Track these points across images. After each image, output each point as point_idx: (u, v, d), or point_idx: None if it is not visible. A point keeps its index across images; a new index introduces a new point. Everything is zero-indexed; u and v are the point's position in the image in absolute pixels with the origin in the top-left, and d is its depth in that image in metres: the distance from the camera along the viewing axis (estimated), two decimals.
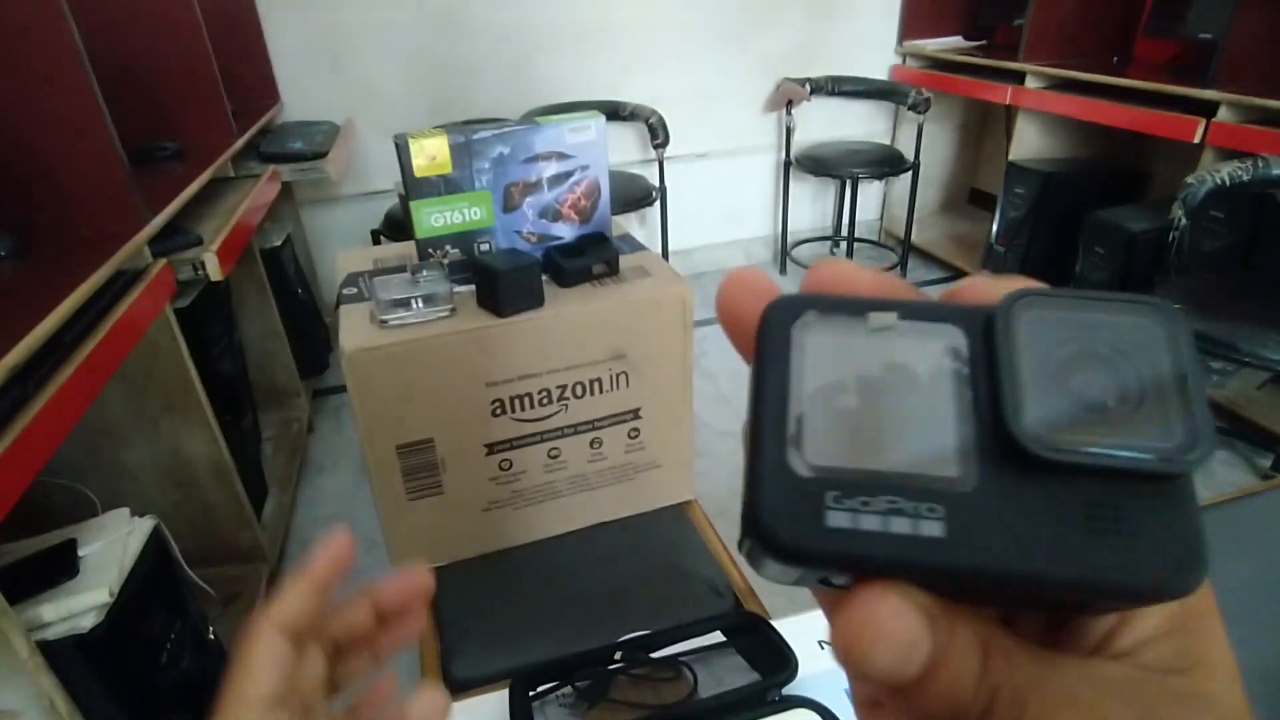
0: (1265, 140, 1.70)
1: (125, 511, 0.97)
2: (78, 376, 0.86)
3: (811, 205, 3.09)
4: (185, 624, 0.99)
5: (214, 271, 1.27)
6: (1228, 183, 1.58)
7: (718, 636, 0.66)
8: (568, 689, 0.61)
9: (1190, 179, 1.60)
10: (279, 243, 2.02)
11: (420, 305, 0.84)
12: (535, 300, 0.87)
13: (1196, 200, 1.60)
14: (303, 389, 2.08)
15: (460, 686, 0.79)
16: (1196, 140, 1.84)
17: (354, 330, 0.83)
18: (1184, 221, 1.65)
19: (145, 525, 0.96)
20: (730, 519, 1.52)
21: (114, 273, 1.04)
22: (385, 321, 0.84)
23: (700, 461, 1.88)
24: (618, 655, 0.63)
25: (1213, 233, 1.88)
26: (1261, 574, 0.83)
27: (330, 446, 2.02)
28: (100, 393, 0.95)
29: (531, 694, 0.60)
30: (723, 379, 2.24)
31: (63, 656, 0.78)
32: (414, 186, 0.88)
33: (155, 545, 0.95)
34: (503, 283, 0.84)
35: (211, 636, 1.06)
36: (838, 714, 0.57)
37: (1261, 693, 0.70)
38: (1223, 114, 1.80)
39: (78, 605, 0.82)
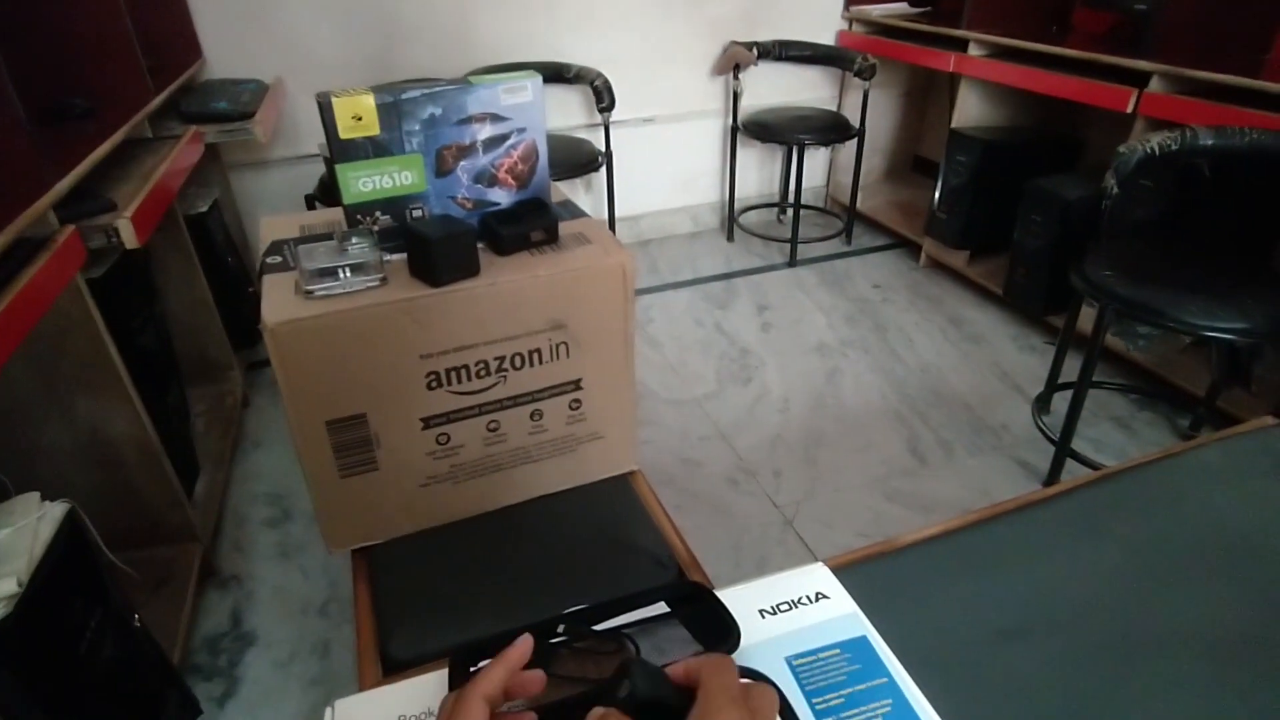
0: (1194, 111, 1.75)
1: (35, 496, 0.91)
2: None
3: (759, 171, 3.08)
4: (107, 611, 0.94)
5: (129, 239, 1.19)
6: (1157, 152, 1.62)
7: (661, 607, 0.65)
8: None
9: (1122, 148, 1.64)
10: (205, 208, 1.92)
11: (348, 274, 0.80)
12: (471, 269, 0.84)
13: (1128, 169, 1.64)
14: (235, 362, 2.00)
15: (398, 667, 0.77)
16: (1129, 110, 1.89)
17: (277, 301, 0.78)
18: (1115, 190, 1.68)
19: (58, 510, 0.90)
20: (677, 487, 1.53)
21: (14, 240, 0.96)
22: (311, 292, 0.79)
23: (646, 430, 1.88)
24: (560, 629, 0.62)
25: (1143, 201, 1.93)
26: (1184, 533, 0.87)
27: (267, 421, 1.95)
28: (2, 368, 0.88)
29: (472, 669, 0.58)
30: (669, 347, 2.23)
31: None
32: (340, 149, 0.83)
33: (69, 530, 0.90)
34: (436, 251, 0.81)
35: (137, 623, 1.01)
36: (779, 683, 0.57)
37: (1193, 652, 0.73)
38: (1155, 84, 1.85)
39: None
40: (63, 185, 1.11)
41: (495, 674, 0.41)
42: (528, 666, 0.54)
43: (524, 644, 0.45)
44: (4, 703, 0.76)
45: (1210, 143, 1.61)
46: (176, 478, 1.36)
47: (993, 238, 2.43)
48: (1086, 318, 1.75)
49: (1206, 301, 1.43)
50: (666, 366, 2.14)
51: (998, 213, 2.33)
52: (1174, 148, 1.61)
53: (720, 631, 0.59)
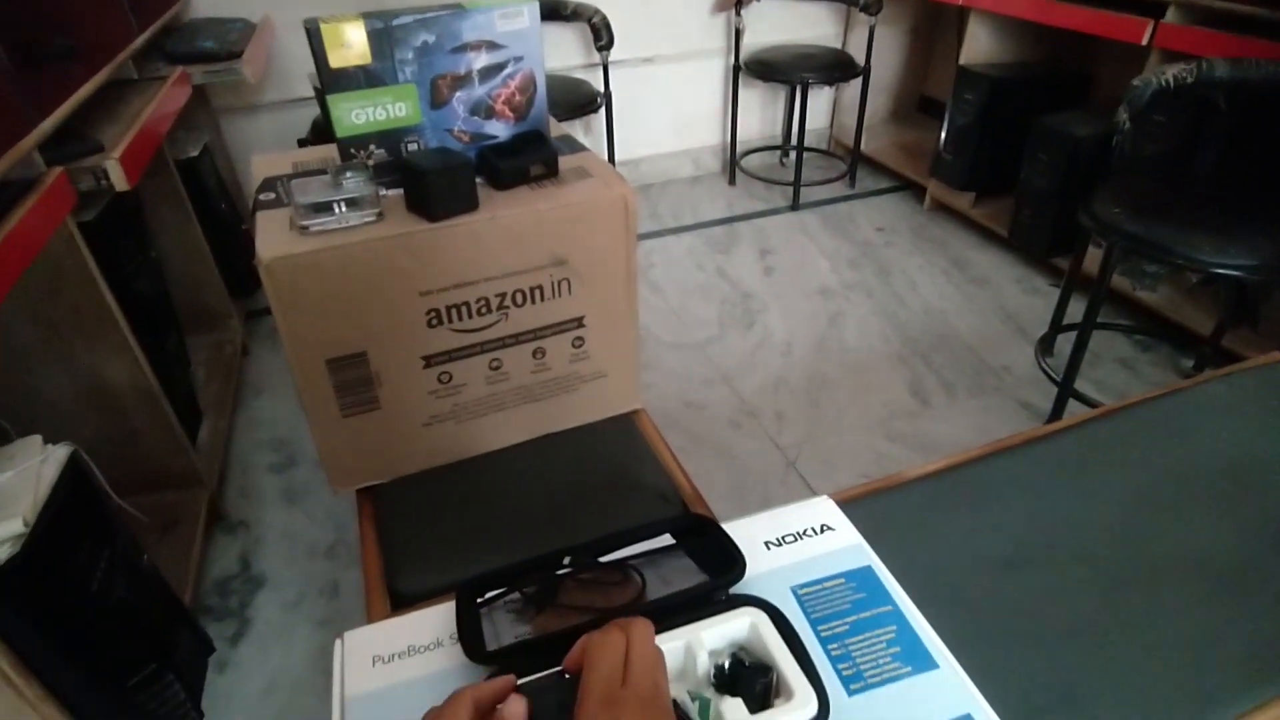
0: (1210, 42, 1.69)
1: (37, 439, 0.91)
2: None
3: (761, 113, 3.01)
4: (115, 552, 0.95)
5: (119, 181, 1.17)
6: (1172, 84, 1.57)
7: (666, 539, 0.65)
8: (515, 595, 0.60)
9: (1136, 81, 1.59)
10: (196, 153, 1.88)
11: (343, 209, 0.78)
12: (468, 203, 0.82)
13: (1141, 102, 1.59)
14: (234, 310, 1.98)
15: (405, 602, 0.78)
16: (1144, 42, 1.83)
17: (272, 238, 0.77)
18: (1127, 125, 1.64)
19: (60, 452, 0.90)
20: (680, 430, 1.53)
21: None
22: (306, 228, 0.78)
23: (648, 375, 1.88)
24: (566, 561, 0.62)
25: (1154, 136, 1.88)
26: (1188, 465, 0.87)
27: (267, 369, 1.94)
28: None
29: (479, 601, 0.59)
30: (671, 292, 2.21)
31: None
32: (330, 79, 0.80)
33: (73, 472, 0.90)
34: (433, 184, 0.79)
35: (146, 564, 1.02)
36: (784, 612, 0.57)
37: (1192, 580, 0.74)
38: (1171, 15, 1.78)
39: None
40: (47, 125, 1.08)
41: (489, 688, 0.44)
42: (538, 592, 0.54)
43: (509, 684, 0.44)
44: (15, 639, 0.77)
45: (1226, 75, 1.56)
46: (179, 424, 1.36)
47: (999, 179, 2.39)
48: (1092, 260, 1.73)
49: (1217, 238, 1.40)
50: (668, 311, 2.13)
51: (1005, 153, 2.28)
52: (1189, 80, 1.56)
53: (725, 562, 0.59)
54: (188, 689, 1.02)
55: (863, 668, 0.59)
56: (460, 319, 0.84)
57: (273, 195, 0.86)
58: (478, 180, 0.86)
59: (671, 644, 0.52)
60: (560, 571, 0.61)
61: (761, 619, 0.53)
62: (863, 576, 0.67)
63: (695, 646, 0.52)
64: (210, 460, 1.53)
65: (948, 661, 0.60)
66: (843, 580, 0.66)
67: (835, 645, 0.59)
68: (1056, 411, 1.71)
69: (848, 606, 0.64)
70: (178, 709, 1.00)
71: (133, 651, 0.94)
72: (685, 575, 0.61)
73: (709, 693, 0.51)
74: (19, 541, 0.78)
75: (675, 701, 0.50)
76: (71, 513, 0.88)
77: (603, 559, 0.62)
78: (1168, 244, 1.42)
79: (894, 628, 0.62)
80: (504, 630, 0.56)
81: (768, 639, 0.51)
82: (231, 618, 1.31)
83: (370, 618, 0.78)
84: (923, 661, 0.60)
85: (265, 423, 1.76)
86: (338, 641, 0.62)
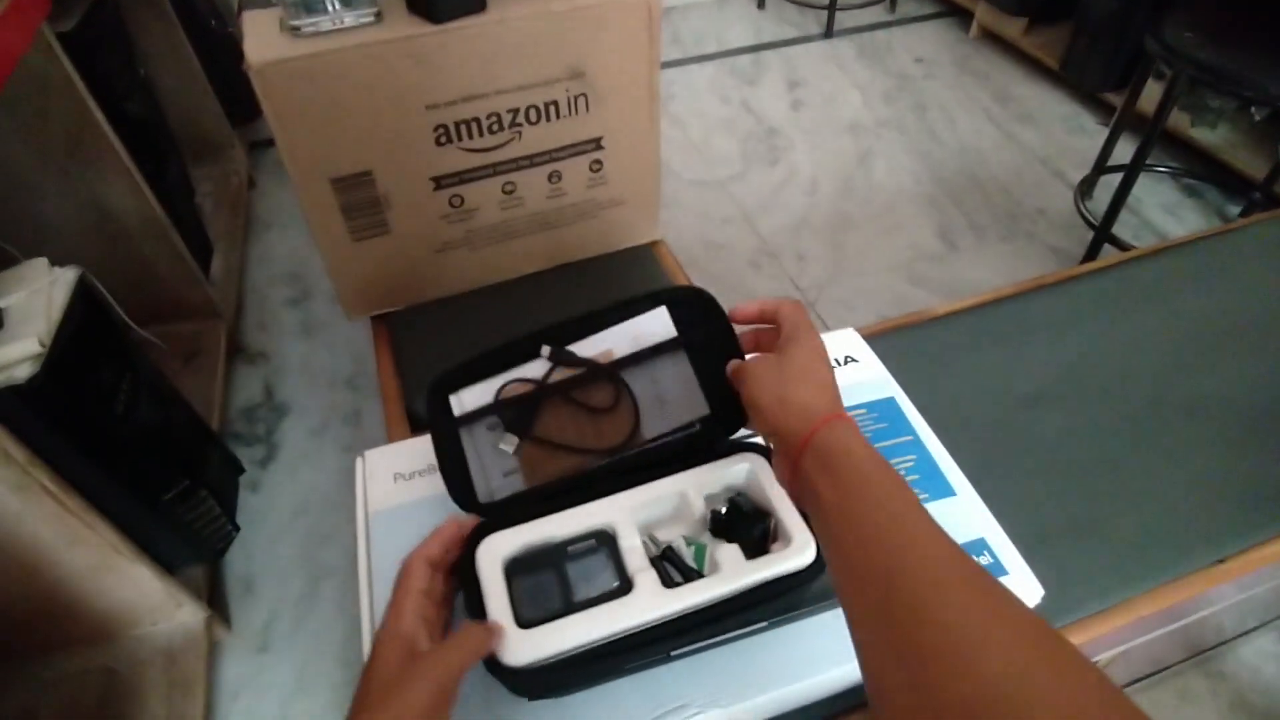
0: None
1: (43, 261, 0.89)
2: None
3: None
4: (137, 376, 0.95)
5: None
6: None
7: (666, 323, 0.55)
8: (494, 418, 0.54)
9: None
10: None
11: (337, 7, 0.71)
12: (475, 3, 0.73)
13: None
14: (236, 140, 1.90)
15: (424, 424, 0.79)
16: None
17: (261, 40, 0.70)
18: None
19: (69, 275, 0.88)
20: (698, 269, 1.48)
21: None
22: (297, 28, 0.71)
23: (667, 212, 1.81)
24: (545, 351, 0.54)
25: None
26: (1225, 307, 0.83)
27: (276, 202, 1.89)
28: None
29: (460, 415, 0.54)
30: (693, 125, 2.09)
31: (3, 406, 0.75)
32: None
33: (84, 295, 0.88)
34: None
35: (169, 388, 1.03)
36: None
37: (1215, 421, 0.72)
38: None
39: (7, 356, 0.77)
40: None
41: (432, 542, 0.46)
42: (519, 415, 0.51)
43: (458, 527, 0.48)
44: (49, 454, 0.79)
45: None
46: (189, 254, 1.34)
47: (1056, 2, 2.17)
48: (1149, 97, 1.59)
49: None
50: (689, 146, 2.02)
51: None
52: None
53: (722, 353, 0.53)
54: (222, 504, 1.07)
55: None
56: (470, 137, 0.78)
57: None
58: None
59: (667, 489, 0.51)
60: (542, 375, 0.54)
61: (760, 465, 0.51)
62: (885, 407, 0.66)
63: (691, 492, 0.51)
64: (225, 293, 1.53)
65: (965, 489, 0.60)
66: (865, 410, 0.65)
67: None
68: (1090, 257, 1.65)
69: (868, 436, 0.63)
70: (213, 522, 1.05)
71: (165, 469, 0.97)
72: (685, 402, 0.54)
73: (705, 538, 0.50)
74: (38, 361, 0.78)
75: (671, 546, 0.50)
76: (88, 336, 0.87)
77: (596, 360, 0.54)
78: (1240, 74, 1.30)
79: (914, 456, 0.62)
80: (490, 464, 0.53)
81: (767, 486, 0.49)
82: (259, 443, 1.36)
83: (390, 439, 0.79)
84: (941, 488, 0.60)
85: (278, 257, 1.74)
86: (359, 460, 0.63)
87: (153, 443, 0.95)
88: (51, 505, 0.83)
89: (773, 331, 0.51)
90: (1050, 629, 0.31)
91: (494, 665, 0.44)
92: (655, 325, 0.53)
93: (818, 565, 0.47)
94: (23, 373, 0.77)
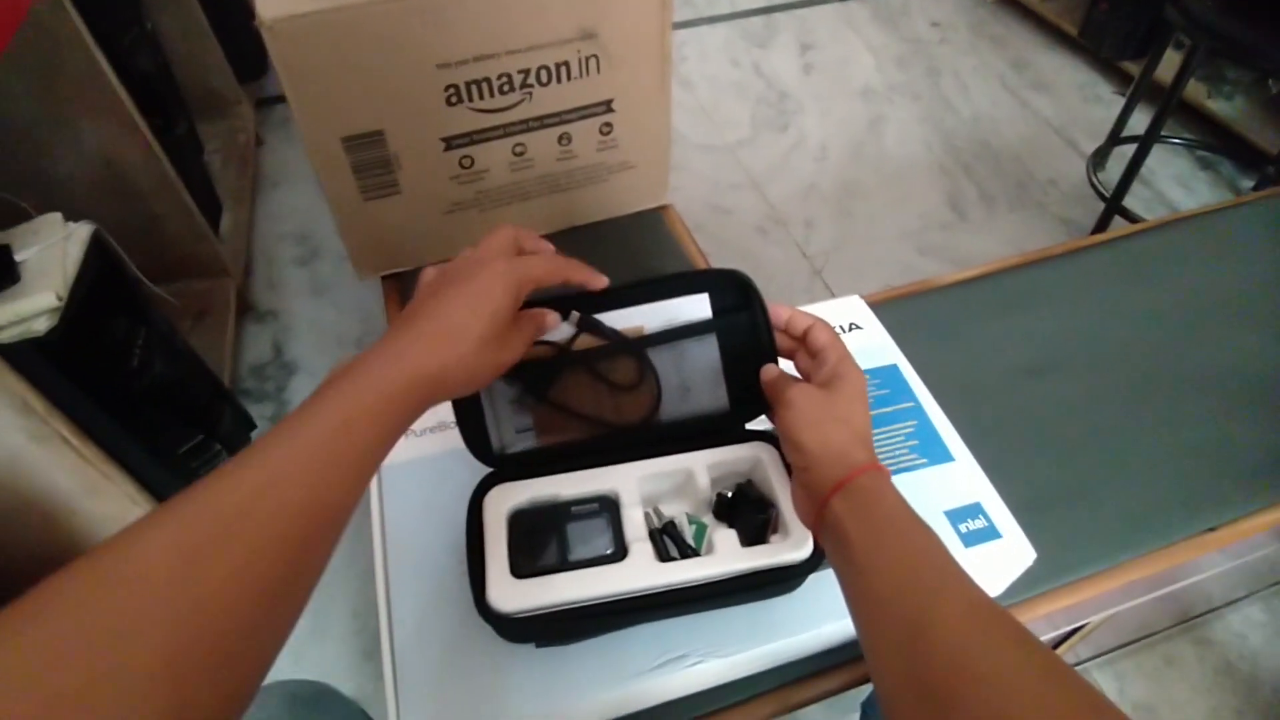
0: None
1: (58, 216, 0.90)
2: None
3: None
4: (151, 332, 0.97)
5: None
6: None
7: (701, 305, 0.52)
8: (514, 377, 0.51)
9: None
10: None
11: None
12: None
13: None
14: (243, 96, 1.89)
15: None
16: None
17: None
18: None
19: (83, 230, 0.89)
20: (705, 234, 1.48)
21: None
22: None
23: (675, 176, 1.79)
24: (572, 316, 0.51)
25: None
26: (1228, 282, 0.83)
27: (283, 160, 1.88)
28: None
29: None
30: (702, 88, 2.07)
31: (22, 358, 0.77)
32: None
33: (98, 250, 0.90)
34: None
35: (182, 344, 1.05)
36: None
37: (1214, 392, 0.73)
38: None
39: (26, 309, 0.78)
40: None
41: (533, 252, 0.46)
42: (538, 380, 0.50)
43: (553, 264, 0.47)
44: (67, 405, 0.81)
45: None
46: (198, 211, 1.34)
47: None
48: (1168, 66, 1.57)
49: None
50: (698, 109, 2.00)
51: None
52: None
53: (753, 345, 0.51)
54: None
55: (881, 456, 0.60)
56: (481, 97, 0.78)
57: None
58: None
59: (676, 465, 0.52)
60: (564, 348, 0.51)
61: (772, 455, 0.52)
62: (888, 374, 0.67)
63: (699, 472, 0.52)
64: (234, 251, 1.53)
65: (964, 454, 0.61)
66: (868, 377, 0.66)
67: None
68: (1100, 228, 1.65)
69: (871, 401, 0.64)
70: None
71: (179, 423, 0.99)
72: (707, 391, 0.53)
73: (708, 519, 0.51)
74: (56, 314, 0.80)
75: (673, 521, 0.51)
76: (103, 291, 0.89)
77: (625, 332, 0.52)
78: (1261, 45, 1.28)
79: (914, 422, 0.63)
80: (504, 419, 0.52)
81: (774, 477, 0.50)
82: (269, 400, 1.38)
83: None
84: (940, 454, 0.61)
85: (286, 216, 1.74)
86: None
87: (167, 397, 0.97)
88: (70, 455, 0.85)
89: (795, 345, 0.50)
90: (1085, 681, 0.32)
91: (483, 608, 0.46)
92: (689, 305, 0.51)
93: (813, 561, 0.48)
94: (41, 325, 0.79)
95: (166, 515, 0.28)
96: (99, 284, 0.88)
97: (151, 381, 0.94)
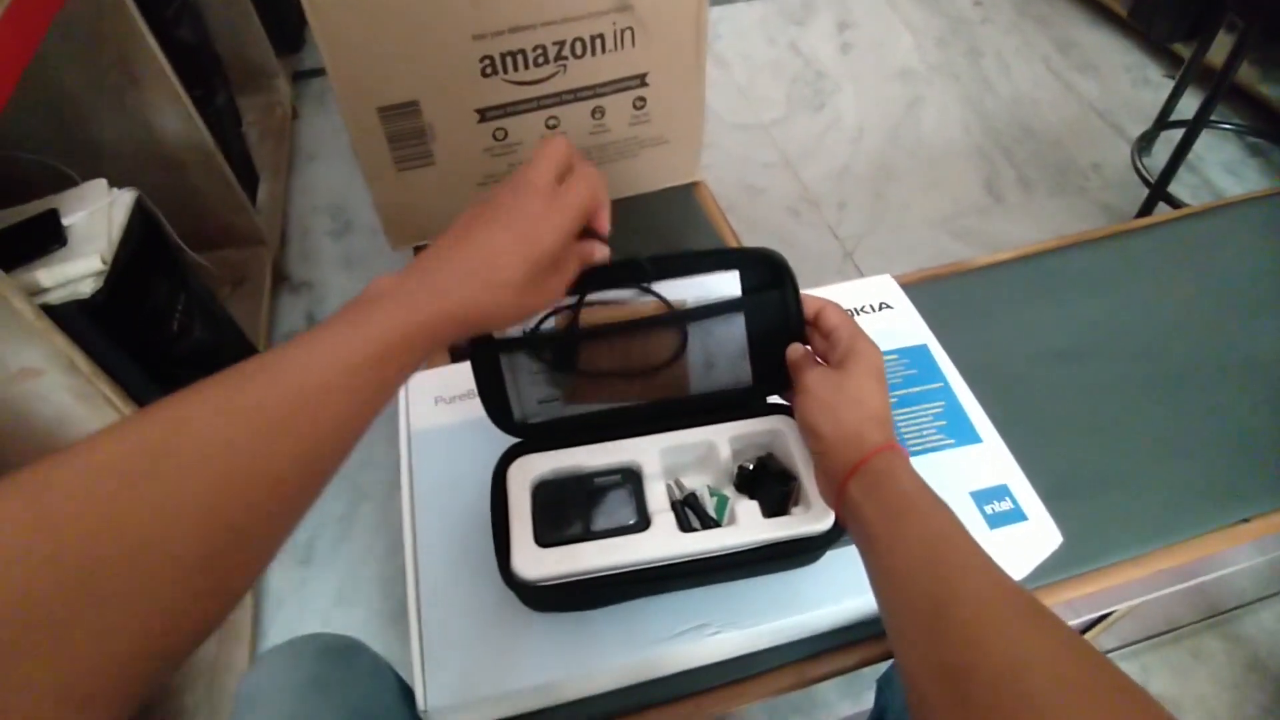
0: None
1: (103, 182, 0.92)
2: (10, 19, 0.76)
3: None
4: (190, 297, 0.99)
5: None
6: None
7: (730, 282, 0.52)
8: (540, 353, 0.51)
9: None
10: None
11: None
12: None
13: None
14: (280, 69, 1.91)
15: (465, 354, 0.81)
16: None
17: None
18: None
19: (127, 197, 0.92)
20: (736, 214, 1.47)
21: None
22: None
23: (707, 154, 1.77)
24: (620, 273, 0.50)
25: None
26: (1269, 271, 0.81)
27: (319, 133, 1.91)
28: (41, 45, 0.84)
29: (500, 339, 0.50)
30: (738, 67, 2.04)
31: (69, 319, 0.79)
32: None
33: (141, 216, 0.92)
34: None
35: (220, 310, 1.07)
36: None
37: (1256, 381, 0.72)
38: None
39: (73, 272, 0.81)
40: None
41: (587, 169, 0.45)
42: (563, 346, 0.50)
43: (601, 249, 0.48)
44: (111, 366, 0.83)
45: None
46: (236, 181, 1.37)
47: None
48: (1220, 48, 1.51)
49: None
50: (733, 88, 1.98)
51: None
52: None
53: (780, 323, 0.51)
54: None
55: (906, 436, 0.60)
56: (516, 69, 0.78)
57: None
58: None
59: (698, 437, 0.52)
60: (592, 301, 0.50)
61: (791, 429, 0.52)
62: (917, 354, 0.66)
63: (721, 445, 0.52)
64: (271, 221, 1.56)
65: (992, 436, 0.60)
66: (897, 356, 0.66)
67: None
68: (1143, 215, 1.60)
69: (899, 380, 0.64)
70: None
71: None
72: (731, 368, 0.53)
73: (729, 491, 0.51)
74: (100, 277, 0.82)
75: (694, 493, 0.52)
76: (145, 256, 0.91)
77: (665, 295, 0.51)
78: None
79: (943, 403, 0.63)
80: (526, 389, 0.52)
81: (795, 451, 0.51)
82: None
83: (430, 364, 0.81)
84: (967, 435, 0.61)
85: (320, 189, 1.76)
86: (402, 389, 0.65)
87: (205, 361, 1.00)
88: (113, 416, 0.88)
89: (808, 329, 0.51)
90: (1107, 659, 0.32)
91: (507, 576, 0.47)
92: (718, 281, 0.51)
93: (833, 533, 0.48)
94: (87, 288, 0.81)
95: (215, 392, 0.32)
96: (141, 249, 0.90)
97: (191, 346, 0.96)
